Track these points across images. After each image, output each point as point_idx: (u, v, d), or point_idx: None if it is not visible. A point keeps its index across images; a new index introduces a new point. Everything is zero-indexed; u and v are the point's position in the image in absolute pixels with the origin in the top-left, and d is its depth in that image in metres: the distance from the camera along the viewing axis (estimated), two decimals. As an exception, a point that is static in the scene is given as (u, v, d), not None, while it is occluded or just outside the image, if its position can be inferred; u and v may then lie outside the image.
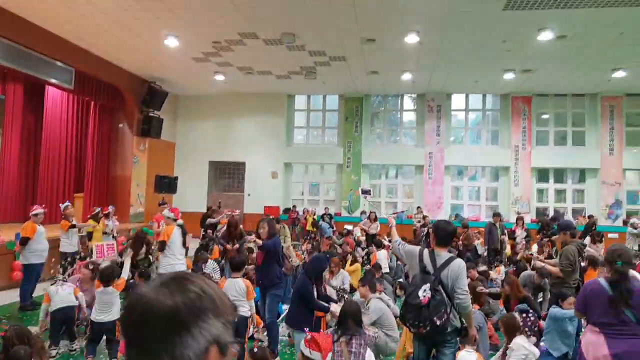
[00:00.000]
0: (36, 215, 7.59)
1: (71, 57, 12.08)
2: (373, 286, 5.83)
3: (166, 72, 14.92)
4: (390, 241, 11.88)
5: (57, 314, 5.51)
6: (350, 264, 9.08)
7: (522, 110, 16.56)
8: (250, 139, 17.79)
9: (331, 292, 6.90)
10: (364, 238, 13.61)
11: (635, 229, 11.86)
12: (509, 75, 14.25)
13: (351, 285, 8.42)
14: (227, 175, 18.57)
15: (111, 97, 14.63)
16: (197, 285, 1.03)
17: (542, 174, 16.94)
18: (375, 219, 13.54)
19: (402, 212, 17.06)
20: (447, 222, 4.00)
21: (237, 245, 8.06)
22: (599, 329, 3.32)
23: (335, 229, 15.95)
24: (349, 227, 15.02)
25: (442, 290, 3.60)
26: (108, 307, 5.09)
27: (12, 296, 7.70)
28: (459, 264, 3.71)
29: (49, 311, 5.54)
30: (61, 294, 5.55)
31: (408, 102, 18.08)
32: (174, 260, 6.58)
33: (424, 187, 16.91)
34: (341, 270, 8.10)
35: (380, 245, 10.11)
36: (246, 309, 5.03)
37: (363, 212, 15.94)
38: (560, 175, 16.92)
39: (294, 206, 17.47)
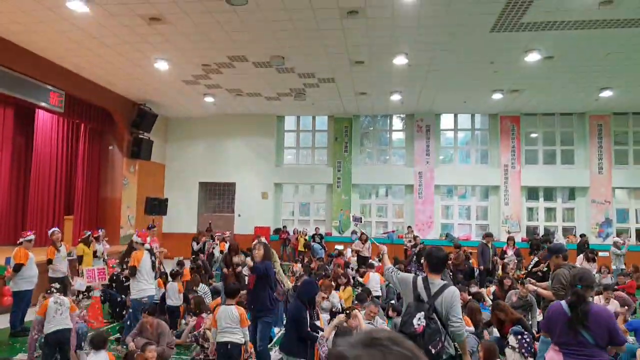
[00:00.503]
0: (29, 241, 7.55)
1: (62, 80, 12.06)
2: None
3: (156, 95, 14.94)
4: (380, 261, 11.86)
5: (51, 337, 5.40)
6: (343, 289, 9.01)
7: (510, 130, 16.78)
8: (241, 160, 17.79)
9: (324, 316, 6.84)
10: (354, 259, 13.57)
11: (619, 248, 11.95)
12: (497, 96, 14.49)
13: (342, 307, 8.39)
14: (217, 196, 18.49)
15: (101, 119, 14.60)
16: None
17: (532, 193, 17.10)
18: (366, 241, 13.51)
19: (393, 232, 17.08)
20: (439, 248, 3.99)
21: (238, 268, 8.01)
22: (559, 347, 3.48)
23: (326, 249, 15.93)
24: (340, 247, 15.03)
25: (437, 318, 3.57)
26: None
27: (2, 322, 7.54)
28: (453, 291, 3.69)
29: (44, 332, 5.41)
30: (57, 317, 5.44)
31: (397, 122, 18.26)
32: (145, 285, 6.64)
33: (415, 206, 16.96)
34: (333, 292, 8.12)
35: (373, 267, 10.08)
36: (240, 336, 5.04)
37: (354, 232, 15.91)
38: (550, 193, 17.09)
39: (284, 226, 17.42)
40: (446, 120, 17.75)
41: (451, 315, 3.59)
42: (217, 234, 13.19)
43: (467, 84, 13.48)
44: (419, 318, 3.52)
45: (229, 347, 4.95)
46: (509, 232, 15.15)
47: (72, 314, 5.70)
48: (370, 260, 12.00)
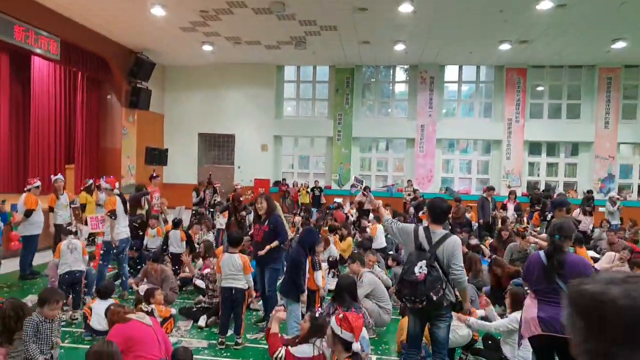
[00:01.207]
0: (37, 187, 7.65)
1: (57, 26, 11.68)
2: (362, 261, 5.88)
3: (153, 43, 14.53)
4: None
5: (64, 278, 5.58)
6: (342, 240, 9.13)
7: (516, 82, 16.45)
8: (240, 111, 17.56)
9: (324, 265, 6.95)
10: (354, 211, 13.67)
11: (613, 204, 11.74)
12: (504, 47, 14.09)
13: (342, 257, 8.54)
14: (217, 148, 18.40)
15: (99, 68, 14.28)
16: None
17: (535, 148, 16.99)
18: (368, 192, 13.49)
19: (392, 185, 17.13)
20: (442, 199, 3.98)
21: (242, 213, 8.11)
22: (535, 295, 3.62)
23: (325, 202, 16.03)
24: (339, 200, 15.08)
25: (438, 267, 3.61)
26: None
27: (10, 265, 7.71)
28: (455, 240, 3.72)
29: (57, 273, 5.61)
30: (70, 257, 5.62)
31: (400, 74, 17.87)
32: (121, 228, 6.70)
33: (415, 160, 16.90)
34: (330, 245, 8.32)
35: (379, 220, 10.16)
36: (243, 282, 5.11)
37: (353, 186, 15.91)
38: (552, 148, 16.99)
39: (284, 179, 17.44)
40: (450, 73, 17.38)
41: (452, 263, 3.63)
42: (216, 185, 13.18)
43: (474, 34, 13.07)
44: (421, 266, 3.56)
45: (233, 292, 5.05)
46: (509, 187, 15.19)
47: (84, 257, 5.88)
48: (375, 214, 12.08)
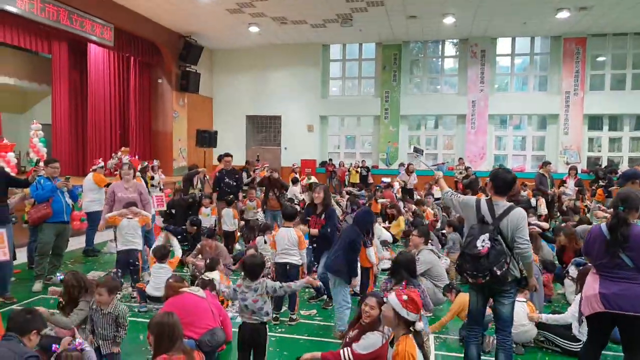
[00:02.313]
0: (101, 167, 8.13)
1: (110, 14, 12.06)
2: (427, 237, 5.75)
3: (201, 26, 14.72)
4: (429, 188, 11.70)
5: (121, 256, 5.78)
6: (392, 221, 9.05)
7: (574, 53, 15.50)
8: (286, 92, 17.58)
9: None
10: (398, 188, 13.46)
11: None
12: (562, 15, 13.24)
13: (393, 237, 8.45)
14: (264, 129, 18.57)
15: (150, 53, 14.69)
16: None
17: (595, 122, 16.04)
18: (412, 172, 13.29)
19: (443, 164, 16.71)
20: (507, 170, 3.80)
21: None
22: (597, 270, 3.46)
23: (372, 181, 15.89)
24: (387, 179, 14.84)
25: (502, 240, 3.45)
26: (162, 284, 5.30)
27: (72, 244, 8.14)
28: (520, 213, 3.54)
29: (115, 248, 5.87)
30: (128, 237, 5.75)
31: (449, 49, 17.25)
32: None
33: (466, 137, 16.38)
34: (376, 225, 8.24)
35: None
36: (298, 257, 5.12)
37: (401, 164, 15.67)
38: (615, 122, 15.97)
39: (330, 159, 17.39)
40: (502, 45, 16.59)
41: (517, 237, 3.47)
42: (265, 165, 13.29)
43: (529, 2, 12.36)
44: (483, 240, 3.41)
45: (287, 267, 5.07)
46: (567, 163, 14.46)
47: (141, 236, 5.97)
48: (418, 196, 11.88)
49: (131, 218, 5.81)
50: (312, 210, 5.69)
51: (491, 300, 3.70)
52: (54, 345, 3.44)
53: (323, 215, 5.54)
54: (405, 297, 2.89)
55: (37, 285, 6.07)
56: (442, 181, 4.22)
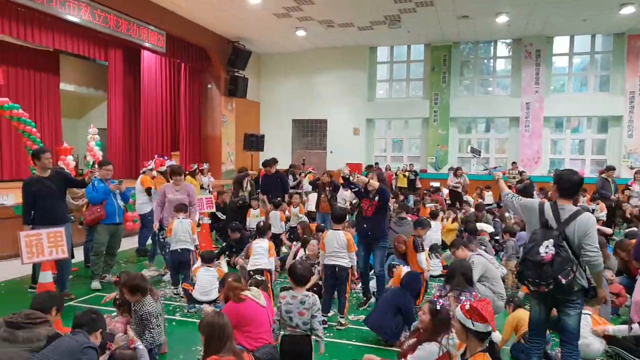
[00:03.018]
0: (151, 170, 8.29)
1: (162, 21, 12.46)
2: (467, 246, 5.49)
3: (249, 31, 14.94)
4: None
5: (173, 255, 5.88)
6: (452, 221, 8.82)
7: (639, 51, 14.53)
8: (332, 96, 17.53)
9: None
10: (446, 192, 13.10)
11: None
12: (627, 10, 12.43)
13: (444, 242, 8.18)
14: (310, 133, 18.60)
15: (199, 58, 15.04)
16: None
17: (662, 123, 14.96)
18: (460, 175, 12.91)
19: (495, 168, 16.07)
20: (572, 171, 3.52)
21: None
22: None
23: (420, 186, 15.55)
24: (436, 184, 14.46)
25: (567, 247, 3.20)
26: (209, 287, 5.39)
27: (126, 244, 8.42)
28: (589, 218, 3.28)
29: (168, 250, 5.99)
30: (180, 237, 5.85)
31: (502, 49, 16.63)
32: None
33: (520, 140, 15.70)
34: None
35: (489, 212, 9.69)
36: (347, 260, 5.01)
37: (451, 169, 15.22)
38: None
39: (376, 163, 17.13)
40: (559, 44, 15.81)
41: (586, 243, 3.22)
42: (311, 169, 13.32)
43: (590, -2, 11.69)
44: (547, 246, 3.17)
45: (336, 269, 4.97)
46: (631, 168, 13.57)
47: (193, 236, 6.01)
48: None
49: (185, 218, 5.90)
50: (364, 195, 5.51)
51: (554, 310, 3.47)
52: (107, 342, 3.53)
53: (377, 197, 5.38)
54: (467, 307, 2.69)
55: (95, 284, 6.31)
56: (501, 182, 4.00)
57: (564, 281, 3.13)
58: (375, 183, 5.35)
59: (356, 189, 5.51)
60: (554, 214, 3.33)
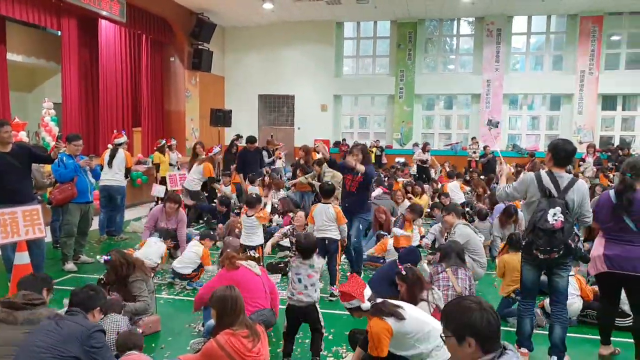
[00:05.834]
0: (126, 143, 8.11)
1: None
2: (458, 213, 5.76)
3: (214, 3, 14.47)
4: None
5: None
6: (419, 198, 9.15)
7: (591, 32, 15.29)
8: (299, 71, 17.37)
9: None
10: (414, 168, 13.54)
11: None
12: (582, -8, 13.04)
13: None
14: (277, 109, 18.42)
15: (161, 30, 14.44)
16: None
17: (609, 101, 15.92)
18: (428, 151, 13.41)
19: (457, 143, 16.66)
20: (567, 140, 3.74)
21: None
22: (603, 233, 3.73)
23: (386, 161, 15.86)
24: (401, 159, 14.79)
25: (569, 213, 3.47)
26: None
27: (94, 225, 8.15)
28: (583, 184, 3.56)
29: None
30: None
31: (465, 27, 17.02)
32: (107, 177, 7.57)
33: (480, 117, 16.27)
34: (405, 200, 8.41)
35: (452, 177, 10.05)
36: (337, 232, 5.13)
37: (415, 144, 15.63)
38: (629, 101, 15.86)
39: (344, 139, 17.30)
40: (518, 24, 16.37)
41: (585, 209, 3.54)
42: (279, 145, 13.19)
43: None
44: (554, 214, 3.38)
45: (326, 242, 5.08)
46: (580, 142, 14.48)
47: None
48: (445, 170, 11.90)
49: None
50: (348, 170, 5.53)
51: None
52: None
53: (359, 173, 5.41)
54: (337, 293, 3.11)
55: (70, 265, 6.10)
56: (504, 178, 4.19)
57: (572, 245, 3.44)
58: (361, 167, 5.32)
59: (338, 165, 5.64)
60: (552, 182, 3.54)
